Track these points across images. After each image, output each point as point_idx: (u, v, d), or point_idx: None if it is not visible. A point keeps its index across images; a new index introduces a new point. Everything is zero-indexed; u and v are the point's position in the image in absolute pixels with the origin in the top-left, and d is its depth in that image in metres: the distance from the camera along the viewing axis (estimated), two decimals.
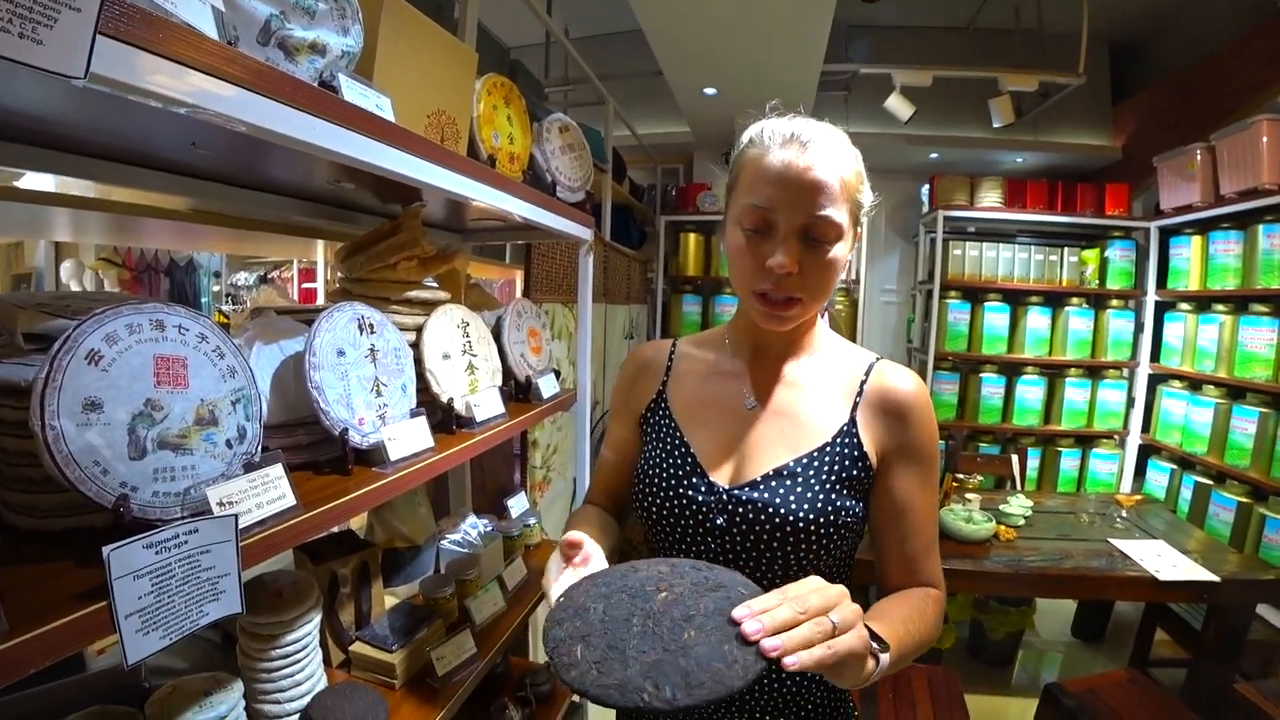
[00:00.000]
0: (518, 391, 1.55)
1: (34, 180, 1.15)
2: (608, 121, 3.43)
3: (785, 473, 0.84)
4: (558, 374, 1.67)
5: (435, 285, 1.34)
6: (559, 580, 0.72)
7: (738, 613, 0.58)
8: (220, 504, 0.69)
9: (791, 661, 0.56)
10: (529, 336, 1.62)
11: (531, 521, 1.79)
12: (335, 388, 0.95)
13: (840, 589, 0.63)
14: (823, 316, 0.97)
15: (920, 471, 0.86)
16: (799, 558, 0.81)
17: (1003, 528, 2.47)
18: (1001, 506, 2.61)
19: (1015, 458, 3.45)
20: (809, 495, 0.82)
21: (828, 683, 0.83)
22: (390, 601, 1.37)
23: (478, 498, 2.04)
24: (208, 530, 0.64)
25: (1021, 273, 4.14)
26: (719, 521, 0.84)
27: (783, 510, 0.81)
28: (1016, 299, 4.16)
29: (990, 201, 4.12)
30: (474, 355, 1.33)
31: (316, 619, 1.06)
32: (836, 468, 0.84)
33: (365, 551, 1.26)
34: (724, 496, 0.84)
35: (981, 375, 4.16)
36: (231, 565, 0.65)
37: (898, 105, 3.79)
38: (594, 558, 0.75)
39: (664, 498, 0.88)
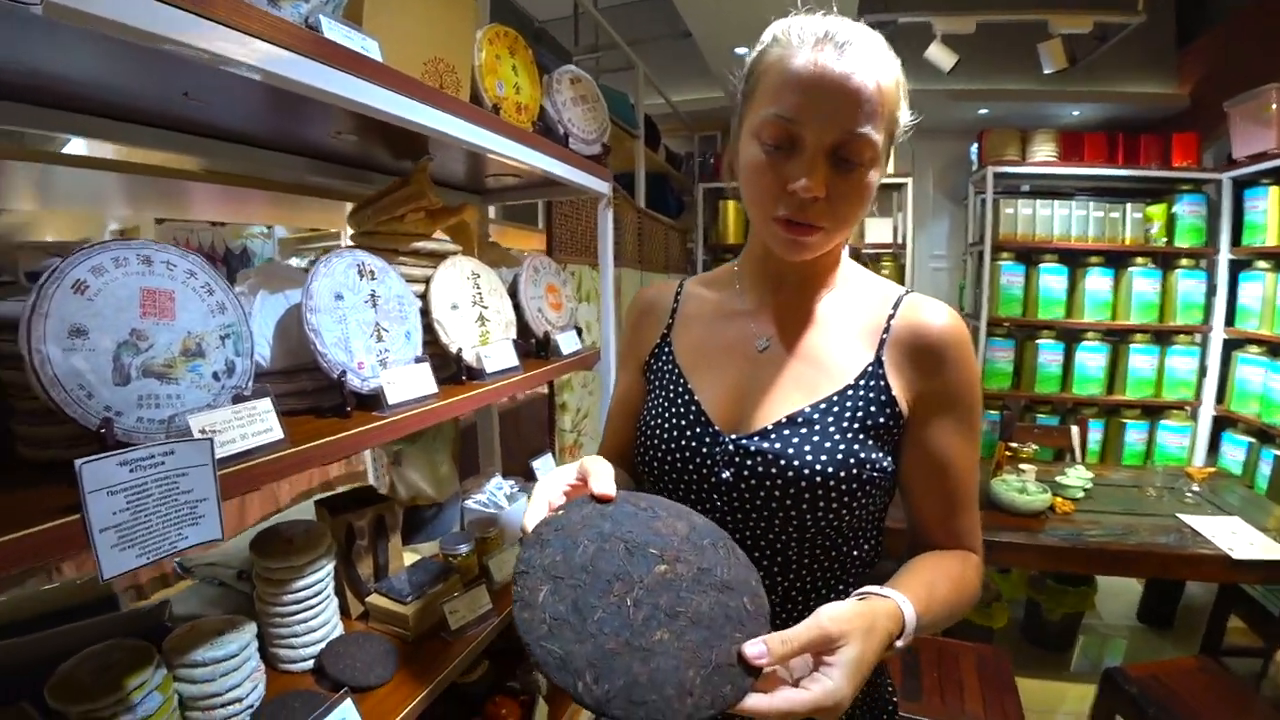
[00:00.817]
0: (538, 348, 1.53)
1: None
2: (638, 87, 3.37)
3: (800, 420, 0.74)
4: (580, 332, 1.65)
5: (447, 240, 1.34)
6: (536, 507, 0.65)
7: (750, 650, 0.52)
8: (202, 431, 0.69)
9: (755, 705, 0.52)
10: (547, 292, 1.61)
11: None
12: (333, 331, 0.95)
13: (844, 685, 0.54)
14: (845, 247, 0.88)
15: (958, 420, 0.76)
16: (816, 518, 0.73)
17: (1060, 500, 2.35)
18: (1058, 478, 2.49)
19: (1075, 429, 3.29)
20: (826, 445, 0.72)
21: None
22: (411, 558, 1.38)
23: (509, 463, 2.05)
24: (185, 453, 0.64)
25: (1080, 231, 3.92)
26: (725, 475, 0.76)
27: (795, 461, 0.72)
28: (1075, 260, 3.95)
29: (1044, 156, 3.90)
30: (485, 307, 1.32)
31: (328, 567, 1.07)
32: (860, 414, 0.74)
33: (381, 505, 1.27)
34: (730, 447, 0.76)
35: (1038, 341, 3.98)
36: (210, 490, 0.65)
37: (939, 55, 3.62)
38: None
39: (665, 450, 0.81)
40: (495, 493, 1.65)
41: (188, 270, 0.77)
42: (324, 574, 1.05)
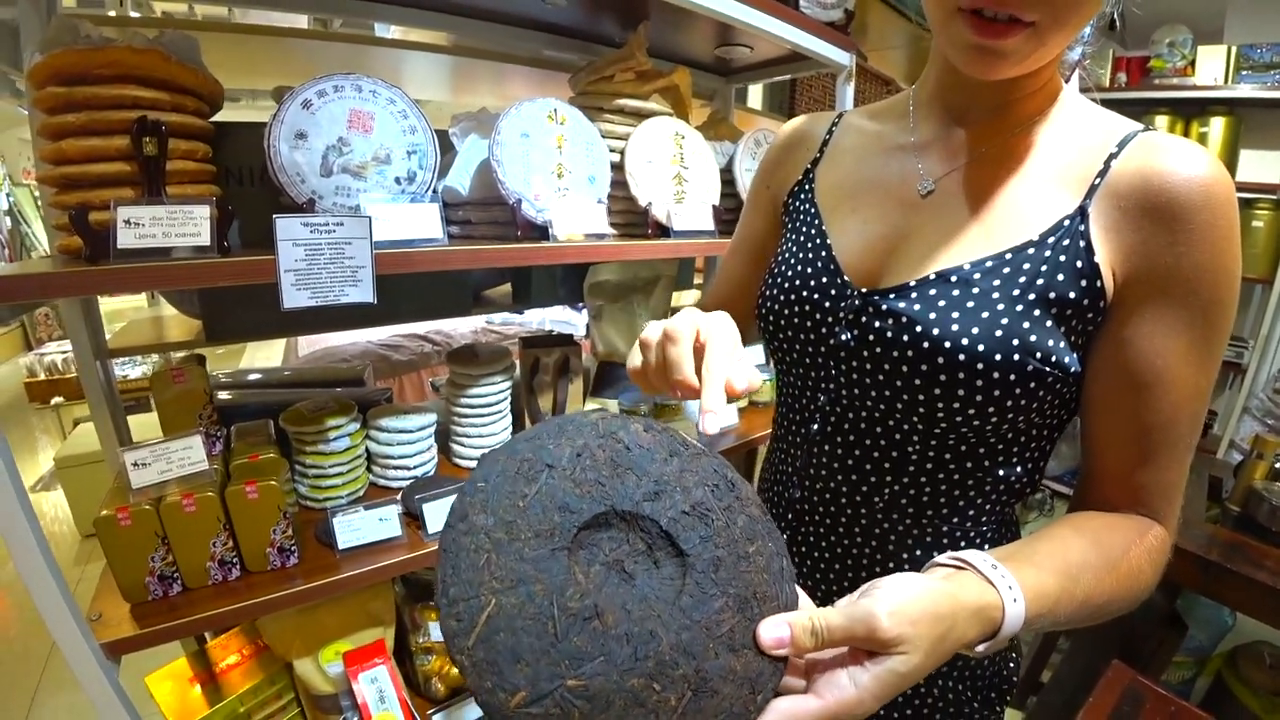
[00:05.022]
0: None
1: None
2: None
3: (954, 278, 0.59)
4: None
5: (653, 103, 1.42)
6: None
7: (767, 632, 0.43)
8: (374, 217, 0.90)
9: None
10: None
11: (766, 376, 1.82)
12: (515, 164, 1.12)
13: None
14: (1068, 78, 0.68)
15: (1189, 321, 0.55)
16: (952, 411, 0.60)
17: None
18: None
19: None
20: (984, 315, 0.57)
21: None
22: (593, 407, 1.57)
23: None
24: (351, 226, 0.85)
25: None
26: (845, 337, 0.65)
27: (935, 330, 0.58)
28: None
29: None
30: (685, 167, 1.39)
31: (502, 384, 1.29)
32: (1040, 282, 0.57)
33: (569, 347, 1.46)
34: (857, 303, 0.65)
35: None
36: (367, 260, 0.86)
37: None
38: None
39: (784, 303, 0.71)
40: None
41: (389, 99, 0.99)
42: (498, 388, 1.28)
